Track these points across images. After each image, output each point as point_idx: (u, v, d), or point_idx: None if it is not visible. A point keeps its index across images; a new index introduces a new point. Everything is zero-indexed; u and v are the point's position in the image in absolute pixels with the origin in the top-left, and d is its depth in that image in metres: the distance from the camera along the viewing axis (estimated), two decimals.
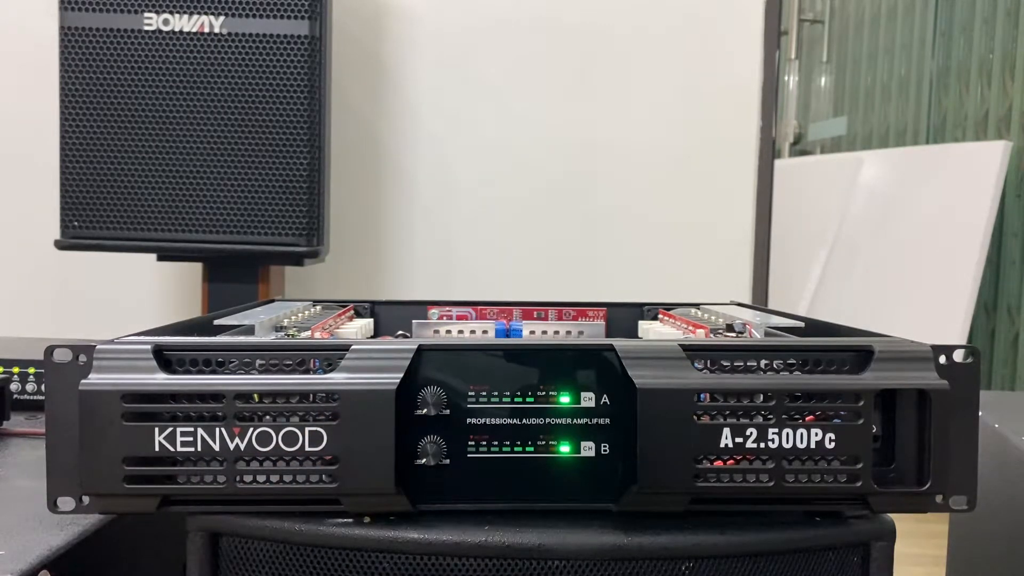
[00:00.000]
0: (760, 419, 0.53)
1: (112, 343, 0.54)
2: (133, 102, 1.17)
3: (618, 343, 0.55)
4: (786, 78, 3.99)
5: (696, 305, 0.87)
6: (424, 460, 0.54)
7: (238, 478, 0.52)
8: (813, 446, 0.53)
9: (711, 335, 0.70)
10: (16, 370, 0.91)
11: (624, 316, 0.88)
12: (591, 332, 0.84)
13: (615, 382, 0.54)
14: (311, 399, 0.53)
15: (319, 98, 1.18)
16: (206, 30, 1.16)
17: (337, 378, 0.53)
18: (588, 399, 0.55)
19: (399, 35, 1.47)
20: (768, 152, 1.48)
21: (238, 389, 0.52)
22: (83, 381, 0.52)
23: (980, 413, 0.55)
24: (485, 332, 0.79)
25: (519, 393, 0.55)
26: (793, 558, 0.56)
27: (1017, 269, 2.60)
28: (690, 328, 0.74)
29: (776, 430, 0.53)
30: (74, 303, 1.46)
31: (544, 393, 0.55)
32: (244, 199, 1.18)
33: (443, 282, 1.48)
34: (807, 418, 0.53)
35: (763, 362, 0.55)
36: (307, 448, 0.52)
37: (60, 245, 1.19)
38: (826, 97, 3.92)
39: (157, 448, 0.52)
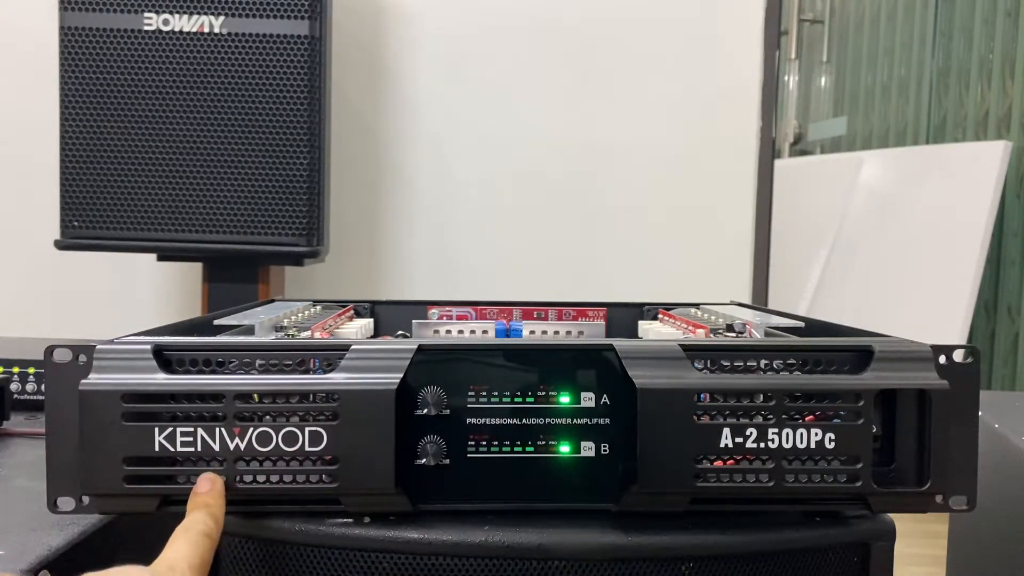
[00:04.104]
0: (760, 419, 0.53)
1: (112, 343, 0.54)
2: (133, 102, 1.17)
3: (618, 343, 0.55)
4: (786, 78, 3.99)
5: (696, 305, 0.87)
6: (424, 460, 0.54)
7: (238, 478, 0.52)
8: (813, 446, 0.53)
9: (711, 335, 0.70)
10: (16, 370, 0.91)
11: (624, 316, 0.88)
12: (591, 332, 0.84)
13: (615, 382, 0.54)
14: (311, 399, 0.53)
15: (319, 98, 1.18)
16: (206, 30, 1.16)
17: (337, 378, 0.53)
18: (588, 399, 0.55)
19: (399, 35, 1.47)
20: (768, 152, 1.48)
21: (238, 389, 0.52)
22: (83, 381, 0.52)
23: (980, 413, 0.55)
24: (485, 332, 0.79)
25: (519, 393, 0.55)
26: (793, 558, 0.56)
27: (1017, 269, 2.60)
28: (690, 328, 0.74)
29: (776, 430, 0.53)
30: (74, 303, 1.46)
31: (544, 393, 0.55)
32: (244, 199, 1.18)
33: (443, 282, 1.48)
34: (807, 418, 0.53)
35: (763, 362, 0.55)
36: (307, 448, 0.52)
37: (60, 245, 1.19)
38: (826, 97, 3.92)
39: (157, 448, 0.52)
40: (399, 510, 0.54)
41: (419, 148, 1.48)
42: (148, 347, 0.53)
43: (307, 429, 0.52)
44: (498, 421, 0.55)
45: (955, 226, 2.58)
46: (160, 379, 0.53)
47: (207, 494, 0.51)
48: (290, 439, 0.52)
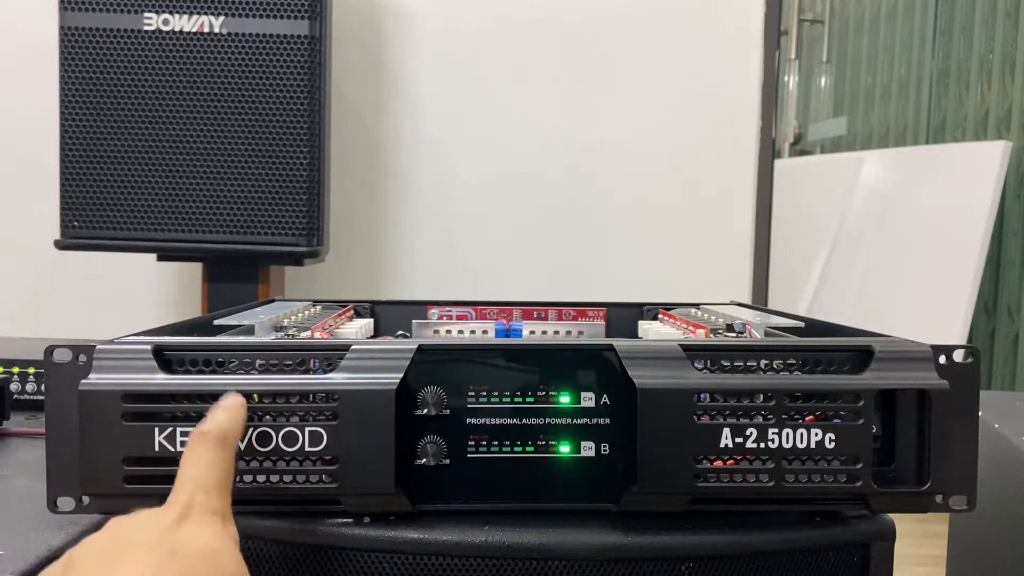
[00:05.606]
0: (760, 419, 0.53)
1: (112, 343, 0.54)
2: (133, 102, 1.17)
3: (618, 343, 0.55)
4: (786, 78, 3.99)
5: (696, 305, 0.87)
6: (424, 460, 0.54)
7: (238, 478, 0.52)
8: (813, 446, 0.53)
9: (711, 335, 0.70)
10: (16, 370, 0.91)
11: (624, 316, 0.88)
12: (591, 332, 0.84)
13: (615, 382, 0.54)
14: (311, 399, 0.53)
15: (319, 98, 1.18)
16: (206, 30, 1.16)
17: (337, 378, 0.53)
18: (588, 399, 0.55)
19: (399, 35, 1.47)
20: (768, 152, 1.48)
21: (238, 389, 0.52)
22: (83, 381, 0.52)
23: (980, 413, 0.55)
24: (485, 332, 0.79)
25: (519, 393, 0.55)
26: (793, 558, 0.56)
27: (1017, 269, 2.60)
28: (690, 328, 0.74)
29: (776, 430, 0.53)
30: (74, 303, 1.46)
31: (544, 393, 0.55)
32: (244, 199, 1.18)
33: (443, 282, 1.48)
34: (807, 418, 0.53)
35: (763, 362, 0.55)
36: (307, 448, 0.52)
37: (60, 245, 1.19)
38: (826, 97, 3.92)
39: (157, 448, 0.52)
40: (399, 510, 0.54)
41: (419, 148, 1.48)
42: (148, 347, 0.53)
43: (307, 429, 0.52)
44: (498, 421, 0.55)
45: (955, 226, 2.58)
46: (160, 379, 0.53)
47: (232, 399, 0.51)
48: (290, 439, 0.52)
